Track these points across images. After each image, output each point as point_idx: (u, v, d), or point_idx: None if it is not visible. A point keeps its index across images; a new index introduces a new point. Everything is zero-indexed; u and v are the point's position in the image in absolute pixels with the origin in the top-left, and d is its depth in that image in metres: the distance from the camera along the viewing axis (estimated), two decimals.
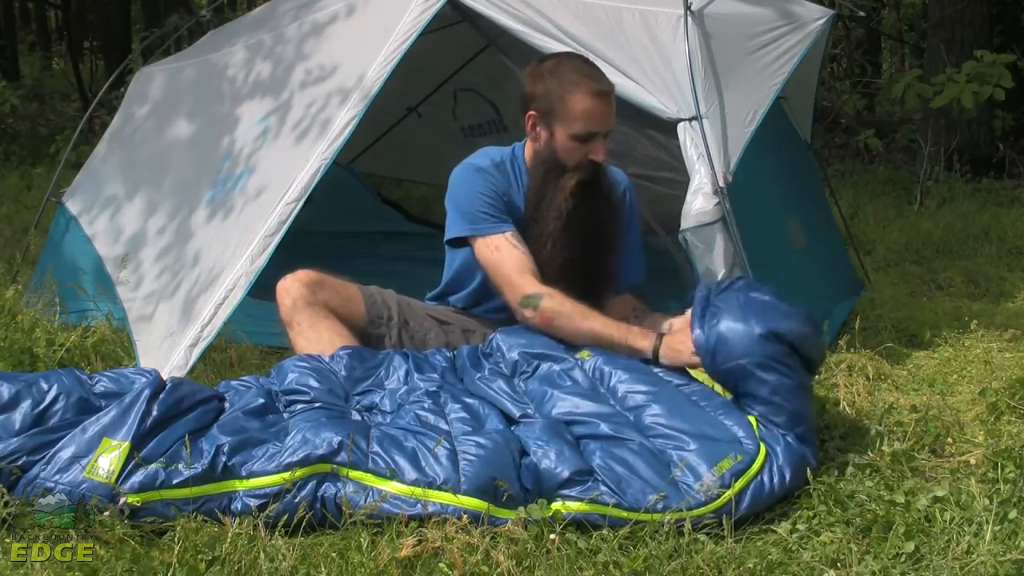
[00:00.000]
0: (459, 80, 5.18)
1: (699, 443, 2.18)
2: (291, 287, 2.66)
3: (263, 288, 2.79)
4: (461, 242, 2.76)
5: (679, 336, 2.55)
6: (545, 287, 2.62)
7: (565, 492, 2.07)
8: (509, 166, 2.82)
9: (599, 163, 2.72)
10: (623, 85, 3.05)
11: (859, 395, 2.79)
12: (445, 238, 2.80)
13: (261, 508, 2.03)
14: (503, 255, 2.67)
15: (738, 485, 2.11)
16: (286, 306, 2.65)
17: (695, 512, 2.05)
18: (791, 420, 2.30)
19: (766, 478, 2.15)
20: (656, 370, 2.51)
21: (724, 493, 2.08)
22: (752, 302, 2.40)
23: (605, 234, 2.78)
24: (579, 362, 2.50)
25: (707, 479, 2.10)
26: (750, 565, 1.90)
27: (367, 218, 5.38)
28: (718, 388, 2.56)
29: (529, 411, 2.34)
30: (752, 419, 2.30)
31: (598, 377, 2.45)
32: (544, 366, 2.48)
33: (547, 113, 2.69)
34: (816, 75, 4.12)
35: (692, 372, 2.57)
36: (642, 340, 2.56)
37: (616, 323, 2.61)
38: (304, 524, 2.00)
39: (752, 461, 2.16)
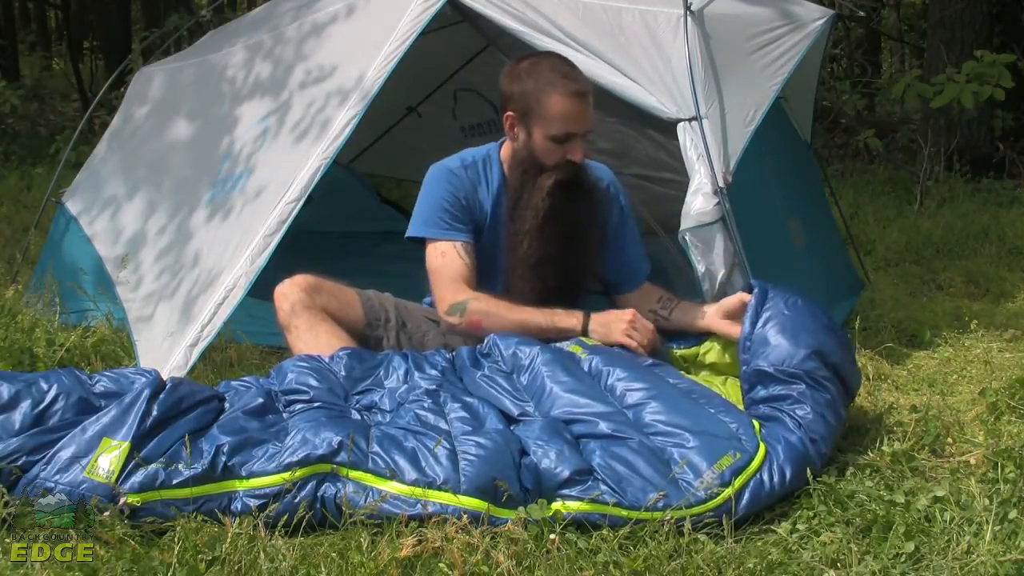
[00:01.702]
0: (459, 80, 5.18)
1: (699, 440, 2.18)
2: (288, 292, 2.66)
3: (263, 288, 2.79)
4: (417, 242, 2.81)
5: (608, 314, 2.68)
6: (473, 293, 2.71)
7: (565, 492, 2.07)
8: (481, 166, 2.85)
9: (577, 163, 2.74)
10: (623, 85, 3.05)
11: (859, 395, 2.79)
12: (406, 234, 2.84)
13: (261, 508, 2.02)
14: (446, 261, 2.75)
15: (737, 483, 2.11)
16: (284, 311, 2.66)
17: (696, 510, 2.05)
18: (811, 425, 2.31)
19: (765, 476, 2.15)
20: (655, 369, 2.51)
21: (724, 491, 2.08)
22: (804, 314, 2.48)
23: (583, 233, 2.81)
24: (576, 357, 2.51)
25: (707, 476, 2.10)
26: (750, 565, 1.90)
27: (367, 218, 5.38)
28: (716, 387, 2.57)
29: (528, 409, 2.34)
30: (755, 423, 2.31)
31: (596, 375, 2.45)
32: (543, 359, 2.47)
33: (525, 114, 2.72)
34: (816, 75, 4.11)
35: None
36: (569, 319, 2.68)
37: (541, 311, 2.69)
38: (304, 524, 2.00)
39: (751, 459, 2.16)
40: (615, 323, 2.67)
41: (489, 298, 2.71)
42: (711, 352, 2.76)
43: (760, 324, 2.48)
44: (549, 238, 2.74)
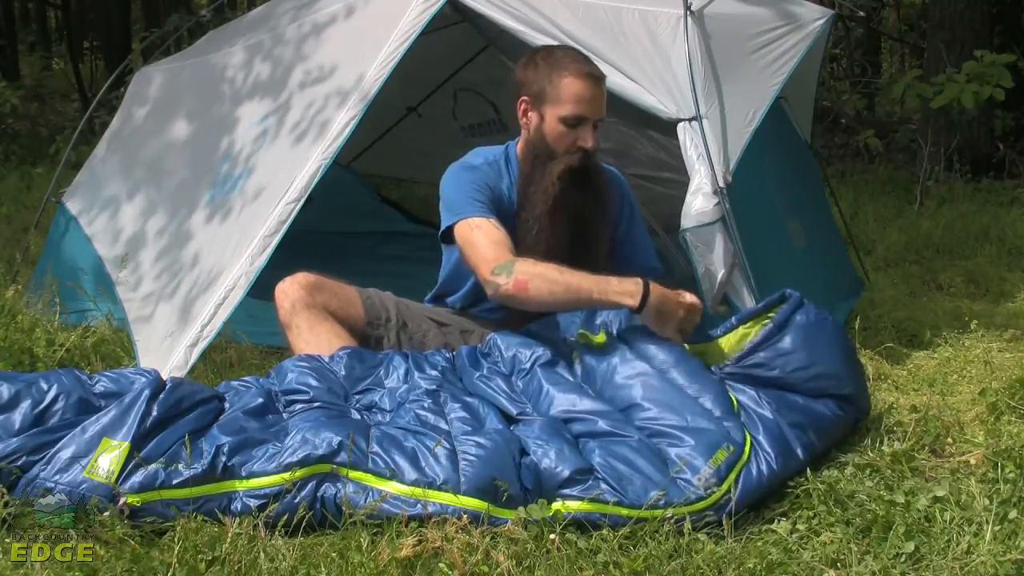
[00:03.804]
0: (459, 80, 5.19)
1: (694, 437, 2.18)
2: (289, 290, 2.66)
3: (263, 288, 2.79)
4: (450, 236, 2.74)
5: (668, 303, 2.51)
6: (517, 256, 2.58)
7: (566, 491, 2.07)
8: (502, 163, 2.84)
9: (588, 152, 2.71)
10: (623, 85, 3.06)
11: None
12: (440, 231, 2.79)
13: (261, 508, 2.02)
14: (483, 231, 2.63)
15: (732, 476, 2.12)
16: (285, 309, 2.66)
17: (696, 506, 2.06)
18: (793, 413, 2.33)
19: (753, 467, 2.17)
20: (641, 346, 2.48)
21: (722, 486, 2.09)
22: (829, 334, 2.49)
23: (592, 223, 2.77)
24: (574, 362, 2.52)
25: (704, 472, 2.10)
26: (750, 565, 1.90)
27: (367, 218, 5.38)
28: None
29: (527, 410, 2.34)
30: (733, 398, 2.34)
31: (587, 378, 2.45)
32: (541, 363, 2.47)
33: (537, 96, 2.72)
34: (816, 75, 4.12)
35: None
36: (624, 297, 2.48)
37: (595, 277, 2.51)
38: (304, 524, 2.00)
39: (742, 451, 2.18)
40: (672, 319, 2.51)
41: (536, 260, 2.55)
42: (714, 353, 2.72)
43: (784, 328, 2.48)
44: (558, 225, 2.70)
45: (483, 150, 2.88)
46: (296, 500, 2.03)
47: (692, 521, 2.02)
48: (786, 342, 2.44)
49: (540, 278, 2.50)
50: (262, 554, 1.89)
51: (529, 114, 2.75)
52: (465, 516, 1.98)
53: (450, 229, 2.71)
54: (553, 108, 2.69)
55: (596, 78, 2.71)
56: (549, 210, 2.70)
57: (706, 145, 2.95)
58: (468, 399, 2.35)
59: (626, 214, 2.96)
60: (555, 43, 3.01)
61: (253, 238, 2.88)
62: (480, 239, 2.63)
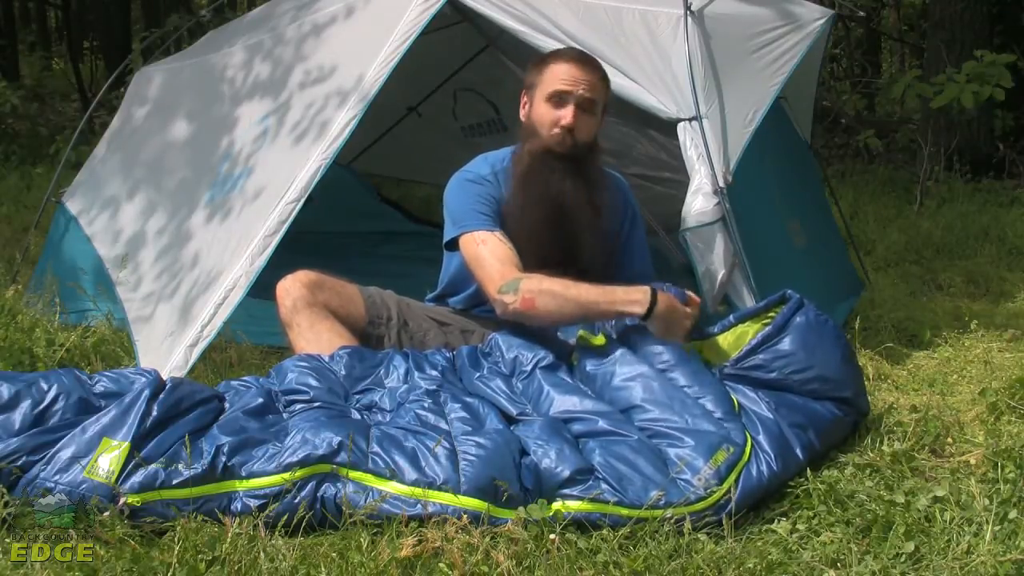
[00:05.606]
0: (459, 80, 5.19)
1: (695, 438, 2.19)
2: (291, 288, 2.66)
3: (263, 288, 2.79)
4: (454, 245, 2.75)
5: (675, 311, 2.54)
6: (524, 273, 2.59)
7: (566, 491, 2.07)
8: (508, 167, 2.83)
9: (571, 131, 2.69)
10: (623, 85, 3.06)
11: None
12: (444, 241, 2.81)
13: (261, 508, 2.02)
14: (489, 246, 2.65)
15: (732, 477, 2.12)
16: (286, 307, 2.66)
17: (696, 507, 2.06)
18: (792, 412, 2.34)
19: (753, 468, 2.17)
20: (641, 346, 2.49)
21: (722, 487, 2.09)
22: (827, 335, 2.49)
23: (573, 215, 2.73)
24: (573, 364, 2.52)
25: (704, 472, 2.11)
26: (750, 565, 1.90)
27: (367, 218, 5.38)
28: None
29: (527, 410, 2.34)
30: (734, 399, 2.34)
31: (587, 381, 2.46)
32: (542, 365, 2.47)
33: (531, 86, 2.78)
34: (816, 75, 4.12)
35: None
36: (632, 306, 2.51)
37: (601, 288, 2.53)
38: (304, 524, 2.00)
39: (742, 452, 2.18)
40: (680, 325, 2.54)
41: (542, 276, 2.55)
42: (713, 350, 2.73)
43: (783, 330, 2.48)
44: (530, 208, 2.69)
45: (489, 156, 2.88)
46: (296, 500, 2.03)
47: (692, 521, 2.02)
48: (785, 344, 2.45)
49: (546, 294, 2.52)
50: (262, 554, 1.89)
51: (526, 106, 2.81)
52: (465, 516, 1.98)
53: (455, 239, 2.72)
54: (540, 90, 2.74)
55: (583, 62, 2.74)
56: (519, 185, 2.72)
57: (706, 145, 2.95)
58: (468, 399, 2.35)
59: (628, 219, 2.95)
60: (561, 45, 3.03)
61: (253, 238, 2.88)
62: (485, 255, 2.64)
